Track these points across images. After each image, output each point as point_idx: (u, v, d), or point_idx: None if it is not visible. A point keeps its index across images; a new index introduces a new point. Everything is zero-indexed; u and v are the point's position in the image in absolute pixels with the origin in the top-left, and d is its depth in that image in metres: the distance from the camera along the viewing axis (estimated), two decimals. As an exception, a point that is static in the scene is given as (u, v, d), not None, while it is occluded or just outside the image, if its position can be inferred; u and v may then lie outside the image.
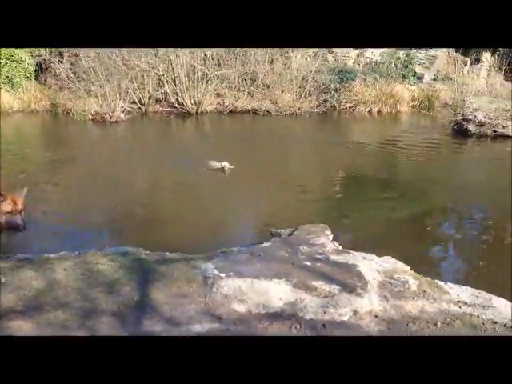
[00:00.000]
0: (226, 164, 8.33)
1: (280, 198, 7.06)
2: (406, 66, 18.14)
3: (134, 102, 14.92)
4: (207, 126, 14.84)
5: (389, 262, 3.57)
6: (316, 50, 16.83)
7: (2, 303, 2.99)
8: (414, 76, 18.40)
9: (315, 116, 15.49)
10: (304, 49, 16.54)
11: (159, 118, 14.77)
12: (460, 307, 3.01)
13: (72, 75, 14.81)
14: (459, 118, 11.54)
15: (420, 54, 18.87)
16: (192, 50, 14.82)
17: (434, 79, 18.78)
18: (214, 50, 15.24)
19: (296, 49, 16.38)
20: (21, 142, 11.90)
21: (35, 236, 5.50)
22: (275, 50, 16.05)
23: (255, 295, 3.09)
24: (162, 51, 14.92)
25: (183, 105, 15.22)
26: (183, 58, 14.91)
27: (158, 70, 15.05)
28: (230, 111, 15.48)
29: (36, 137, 13.33)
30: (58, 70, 15.90)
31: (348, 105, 15.91)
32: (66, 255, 3.77)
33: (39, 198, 7.15)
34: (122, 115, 13.89)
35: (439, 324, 2.82)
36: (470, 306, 3.03)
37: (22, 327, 2.76)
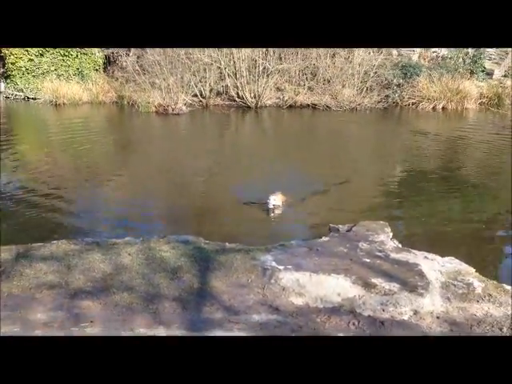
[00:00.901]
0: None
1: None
2: (475, 62, 17.40)
3: (196, 95, 15.22)
4: (266, 121, 14.90)
5: (452, 263, 3.46)
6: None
7: (72, 283, 3.17)
8: (483, 72, 17.62)
9: (376, 112, 15.17)
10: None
11: (219, 111, 14.98)
12: (528, 313, 2.89)
13: (138, 68, 15.29)
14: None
15: (490, 48, 17.99)
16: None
17: (505, 75, 17.87)
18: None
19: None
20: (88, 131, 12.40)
21: (100, 221, 5.78)
22: (337, 44, 15.85)
23: (313, 289, 3.10)
24: (224, 45, 15.11)
25: (243, 98, 15.37)
26: (244, 52, 15.03)
27: (220, 63, 15.25)
28: (290, 105, 15.46)
29: (104, 127, 13.85)
30: (124, 63, 16.43)
31: (411, 101, 15.49)
32: (130, 241, 3.92)
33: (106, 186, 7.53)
34: (184, 108, 14.23)
35: (505, 329, 2.71)
36: (540, 312, 2.90)
37: (91, 307, 2.92)
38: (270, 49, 15.30)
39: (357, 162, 9.38)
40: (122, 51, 16.49)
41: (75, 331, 2.67)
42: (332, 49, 15.76)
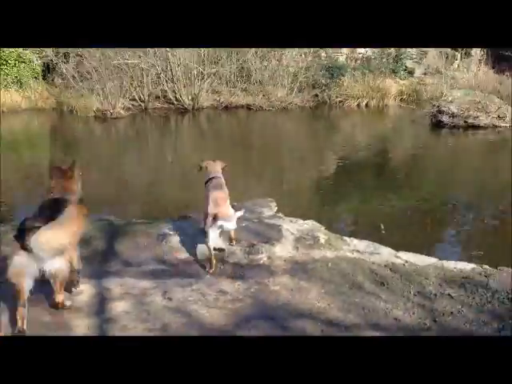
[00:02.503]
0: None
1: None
2: (397, 61, 18.84)
3: (134, 99, 15.83)
4: (203, 122, 15.74)
5: (309, 224, 4.41)
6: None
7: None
8: (405, 70, 19.08)
9: (306, 110, 16.29)
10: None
11: (158, 115, 15.67)
12: (352, 254, 3.85)
13: (76, 75, 15.75)
14: (435, 110, 12.27)
15: (411, 49, 19.47)
16: (188, 49, 15.69)
17: (425, 73, 19.44)
18: (210, 48, 16.08)
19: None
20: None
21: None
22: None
23: (194, 246, 3.95)
24: (159, 51, 15.81)
25: (180, 101, 16.11)
26: (180, 57, 15.79)
27: (157, 68, 15.94)
28: (225, 107, 16.33)
29: (43, 134, 14.28)
30: (64, 70, 16.80)
31: (338, 99, 16.68)
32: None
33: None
34: (123, 112, 14.83)
35: (330, 264, 3.66)
36: (361, 253, 3.87)
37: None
38: (204, 53, 16.13)
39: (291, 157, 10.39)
40: (60, 59, 16.87)
41: (48, 327, 2.84)
42: (262, 51, 16.78)
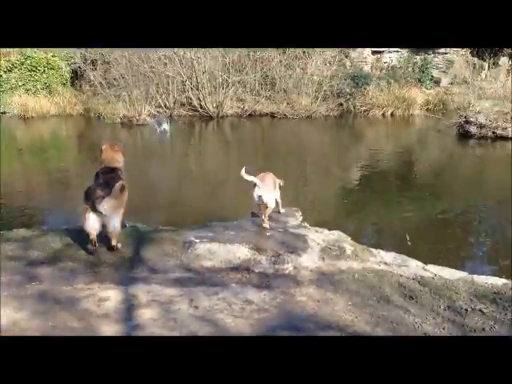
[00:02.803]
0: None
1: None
2: (423, 71, 18.68)
3: (160, 106, 16.05)
4: (227, 129, 15.82)
5: (335, 234, 4.37)
6: (334, 54, 17.57)
7: (29, 256, 3.95)
8: (431, 80, 18.91)
9: (330, 119, 16.25)
10: (321, 54, 17.34)
11: (183, 121, 15.83)
12: (379, 265, 3.80)
13: (103, 82, 16.05)
14: (462, 120, 12.09)
15: (437, 58, 19.30)
16: (213, 56, 15.85)
17: (451, 83, 19.22)
18: (234, 56, 16.20)
19: (313, 54, 17.21)
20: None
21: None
22: (292, 55, 16.93)
23: (220, 255, 3.95)
24: (185, 59, 16.01)
25: (205, 109, 16.25)
26: (205, 64, 15.95)
27: (182, 76, 16.12)
28: (249, 114, 16.42)
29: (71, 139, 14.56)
30: (92, 77, 17.15)
31: (363, 108, 16.61)
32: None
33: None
34: (148, 118, 15.03)
35: (357, 276, 3.61)
36: (388, 265, 3.81)
37: (42, 273, 3.70)
38: (229, 61, 16.27)
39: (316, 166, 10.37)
40: (88, 66, 17.23)
41: (75, 331, 2.87)
42: (287, 60, 16.83)
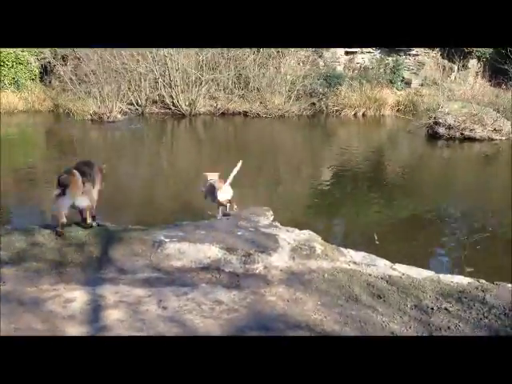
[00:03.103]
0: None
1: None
2: (394, 72, 18.96)
3: (132, 104, 15.84)
4: (200, 128, 15.74)
5: (306, 234, 4.39)
6: (307, 54, 17.67)
7: None
8: (402, 81, 19.21)
9: (303, 119, 16.34)
10: (295, 54, 17.42)
11: (154, 119, 15.67)
12: (349, 265, 3.84)
13: (74, 78, 15.74)
14: (431, 121, 12.33)
15: (408, 60, 19.61)
16: (186, 54, 15.73)
17: (422, 84, 19.56)
18: (208, 54, 16.12)
19: (287, 53, 17.28)
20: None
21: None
22: (266, 54, 16.95)
23: (190, 254, 3.92)
24: (158, 56, 15.84)
25: (178, 106, 16.12)
26: (178, 62, 15.82)
27: (155, 73, 15.95)
28: (222, 113, 16.37)
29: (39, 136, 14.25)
30: (62, 73, 16.80)
31: (335, 108, 16.75)
32: (47, 226, 4.62)
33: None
34: (119, 115, 14.82)
35: (326, 275, 3.64)
36: (357, 264, 3.85)
37: (5, 273, 3.60)
38: (202, 59, 16.16)
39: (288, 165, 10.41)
40: (58, 61, 16.86)
41: (38, 333, 2.77)
42: (260, 59, 16.84)
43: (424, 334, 2.90)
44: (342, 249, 4.16)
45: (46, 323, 2.92)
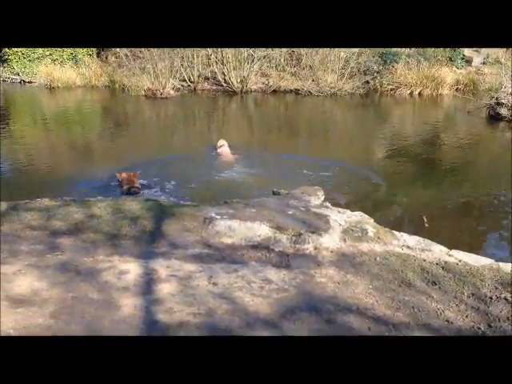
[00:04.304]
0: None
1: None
2: (454, 50, 18.07)
3: (184, 80, 15.95)
4: (250, 104, 15.68)
5: (358, 216, 4.30)
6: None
7: (51, 226, 3.99)
8: (463, 59, 18.30)
9: (356, 97, 15.94)
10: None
11: (206, 96, 15.74)
12: (402, 249, 3.73)
13: (129, 54, 15.99)
14: (493, 101, 11.71)
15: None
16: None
17: (484, 63, 18.58)
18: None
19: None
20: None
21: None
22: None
23: (240, 232, 3.92)
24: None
25: (229, 83, 16.10)
26: (231, 38, 15.73)
27: (207, 50, 15.94)
28: (274, 90, 16.20)
29: (95, 110, 14.66)
30: (117, 49, 17.11)
31: (390, 87, 16.21)
32: (102, 199, 4.76)
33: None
34: (172, 92, 14.99)
35: (378, 258, 3.55)
36: (411, 249, 3.73)
37: (63, 243, 3.73)
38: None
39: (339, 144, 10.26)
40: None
41: (95, 303, 2.91)
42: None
43: (481, 325, 2.79)
44: (396, 232, 4.04)
45: (102, 293, 3.02)
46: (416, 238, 3.94)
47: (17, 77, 17.23)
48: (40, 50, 17.06)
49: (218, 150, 8.45)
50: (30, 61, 17.13)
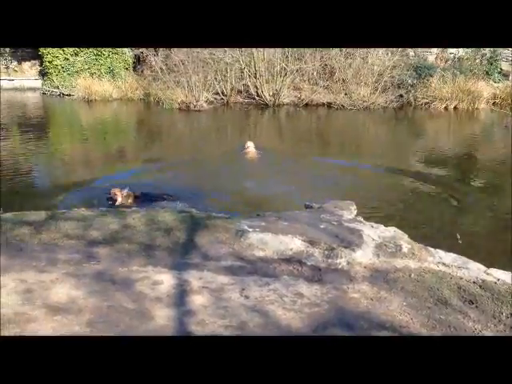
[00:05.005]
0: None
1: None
2: (491, 63, 17.77)
3: (217, 93, 16.18)
4: (283, 118, 15.76)
5: (391, 231, 4.24)
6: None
7: (87, 236, 4.09)
8: (500, 73, 17.98)
9: (389, 111, 15.81)
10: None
11: (239, 108, 15.90)
12: (438, 266, 3.65)
13: (164, 67, 16.34)
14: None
15: (507, 50, 18.30)
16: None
17: (522, 77, 18.17)
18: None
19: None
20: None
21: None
22: (353, 45, 16.54)
23: (273, 245, 3.93)
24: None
25: (262, 97, 16.23)
26: (264, 52, 15.89)
27: (241, 63, 16.15)
28: (306, 104, 16.24)
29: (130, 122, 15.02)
30: (153, 62, 17.51)
31: (424, 100, 16.03)
32: (136, 210, 4.84)
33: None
34: (205, 104, 15.22)
35: (413, 275, 3.49)
36: (447, 266, 3.65)
37: (99, 252, 3.81)
38: (288, 50, 16.11)
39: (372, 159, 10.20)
40: (150, 51, 17.58)
41: (130, 313, 2.95)
42: (348, 49, 16.46)
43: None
44: (431, 249, 3.96)
45: (136, 303, 3.06)
46: (452, 255, 3.86)
47: (56, 90, 17.81)
48: (79, 64, 17.63)
49: (245, 150, 9.94)
50: (69, 74, 17.71)
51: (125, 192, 6.91)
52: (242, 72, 16.46)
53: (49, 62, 17.71)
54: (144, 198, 6.90)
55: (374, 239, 4.03)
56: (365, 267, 3.65)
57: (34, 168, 8.80)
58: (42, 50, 17.77)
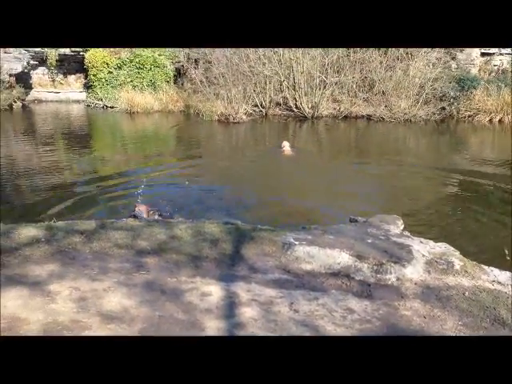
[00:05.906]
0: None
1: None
2: (538, 75, 17.22)
3: (256, 105, 16.29)
4: (322, 130, 15.70)
5: (442, 247, 4.13)
6: (439, 56, 16.74)
7: (136, 246, 4.16)
8: (547, 85, 17.37)
9: (431, 124, 15.53)
10: (425, 55, 16.60)
11: (277, 121, 15.96)
12: (493, 285, 3.53)
13: (204, 80, 16.60)
14: None
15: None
16: (312, 56, 15.78)
17: None
18: (334, 57, 16.00)
19: (416, 55, 16.53)
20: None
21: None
22: (394, 56, 16.38)
23: (320, 259, 3.89)
24: (284, 59, 16.11)
25: (300, 109, 16.24)
26: (303, 65, 15.93)
27: (280, 76, 16.23)
28: (345, 116, 16.15)
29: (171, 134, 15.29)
30: (193, 75, 17.83)
31: (467, 113, 15.68)
32: (183, 220, 4.90)
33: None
34: (244, 117, 15.34)
35: (467, 293, 3.39)
36: (502, 285, 3.53)
37: (148, 262, 3.87)
38: (328, 62, 16.10)
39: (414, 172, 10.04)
40: (190, 64, 17.92)
41: (181, 324, 3.02)
42: (387, 62, 16.32)
43: None
44: (485, 266, 3.84)
45: (186, 313, 3.08)
46: (507, 273, 3.73)
47: (100, 102, 18.36)
48: (122, 77, 18.12)
49: (282, 149, 11.15)
50: (112, 87, 18.22)
51: (150, 210, 6.85)
52: (281, 84, 16.54)
53: (93, 75, 18.29)
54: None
55: (423, 255, 3.94)
56: (415, 284, 3.57)
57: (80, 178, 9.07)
58: (87, 63, 18.39)
